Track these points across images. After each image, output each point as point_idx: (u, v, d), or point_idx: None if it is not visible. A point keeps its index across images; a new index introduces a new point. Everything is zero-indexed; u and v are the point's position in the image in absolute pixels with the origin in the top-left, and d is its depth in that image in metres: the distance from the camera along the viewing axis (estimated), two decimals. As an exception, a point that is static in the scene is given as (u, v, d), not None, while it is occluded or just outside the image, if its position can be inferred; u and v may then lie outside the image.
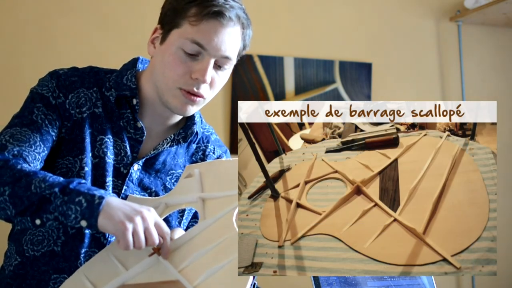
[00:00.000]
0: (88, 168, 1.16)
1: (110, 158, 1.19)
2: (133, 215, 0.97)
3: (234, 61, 1.18)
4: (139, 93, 1.22)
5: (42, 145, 1.13)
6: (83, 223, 0.98)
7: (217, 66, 1.16)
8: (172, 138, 1.25)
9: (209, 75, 1.13)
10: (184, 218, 1.28)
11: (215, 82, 1.17)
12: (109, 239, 1.18)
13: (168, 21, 1.15)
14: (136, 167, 1.21)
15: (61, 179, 1.03)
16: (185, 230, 1.29)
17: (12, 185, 1.02)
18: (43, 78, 1.20)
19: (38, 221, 1.01)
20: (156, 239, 0.99)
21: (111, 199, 0.99)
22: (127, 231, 0.96)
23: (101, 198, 0.98)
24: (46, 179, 1.02)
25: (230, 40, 1.14)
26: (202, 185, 1.12)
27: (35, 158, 1.11)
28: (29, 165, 1.09)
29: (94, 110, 1.19)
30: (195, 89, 1.14)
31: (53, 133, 1.15)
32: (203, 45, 1.12)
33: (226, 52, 1.14)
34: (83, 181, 1.04)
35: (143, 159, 1.22)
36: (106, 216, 0.97)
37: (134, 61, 1.26)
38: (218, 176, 1.12)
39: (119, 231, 0.96)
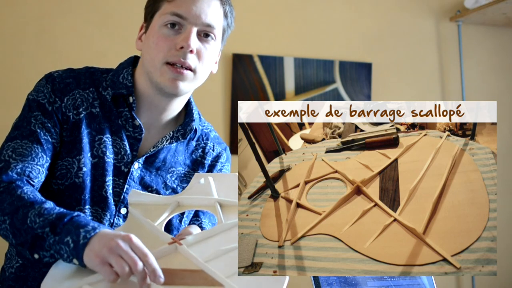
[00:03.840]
0: (86, 168, 1.16)
1: (109, 157, 1.19)
2: (112, 247, 0.92)
3: (219, 32, 1.20)
4: (135, 90, 1.22)
5: (45, 156, 1.13)
6: (75, 262, 0.96)
7: (202, 38, 1.18)
8: (171, 135, 1.25)
9: (193, 42, 1.15)
10: (185, 216, 1.28)
11: (202, 53, 1.18)
12: None
13: (150, 11, 1.20)
14: (136, 165, 1.21)
15: (56, 211, 1.00)
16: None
17: (11, 215, 1.02)
18: (39, 82, 1.20)
19: (36, 256, 1.00)
20: (136, 260, 0.90)
21: (95, 238, 0.94)
22: (103, 265, 0.92)
23: (85, 238, 0.94)
24: (41, 212, 1.00)
25: (210, 10, 1.17)
26: (217, 192, 1.16)
27: (39, 172, 1.11)
28: (33, 182, 1.10)
29: (91, 110, 1.19)
30: (181, 59, 1.15)
31: (53, 140, 1.15)
32: (182, 15, 1.15)
33: (206, 19, 1.16)
34: (76, 213, 1.00)
35: (143, 157, 1.22)
36: (87, 254, 0.93)
37: (130, 59, 1.27)
38: (232, 188, 1.16)
39: (97, 268, 0.93)
